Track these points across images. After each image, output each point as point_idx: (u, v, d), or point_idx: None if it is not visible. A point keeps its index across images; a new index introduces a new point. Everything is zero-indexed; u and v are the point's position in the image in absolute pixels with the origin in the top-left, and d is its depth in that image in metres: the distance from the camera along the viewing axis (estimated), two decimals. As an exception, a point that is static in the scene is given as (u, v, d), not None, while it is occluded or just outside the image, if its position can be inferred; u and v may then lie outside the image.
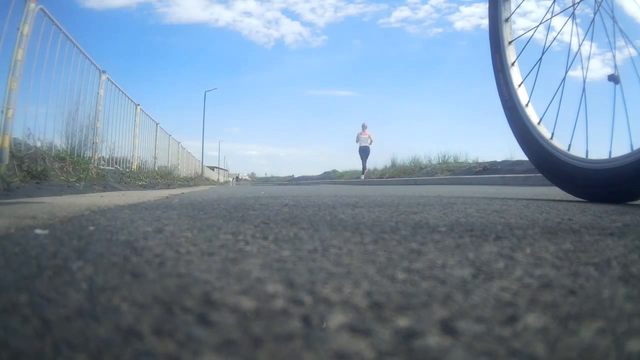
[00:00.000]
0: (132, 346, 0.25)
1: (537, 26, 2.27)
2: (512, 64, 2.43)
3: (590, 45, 2.00)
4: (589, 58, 1.99)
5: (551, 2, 2.19)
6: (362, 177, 15.31)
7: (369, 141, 15.16)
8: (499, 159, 10.84)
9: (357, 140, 15.31)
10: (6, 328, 0.28)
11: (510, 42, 2.47)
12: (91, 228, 0.85)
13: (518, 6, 2.48)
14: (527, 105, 2.30)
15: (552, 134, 2.12)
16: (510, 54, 2.46)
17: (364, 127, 15.36)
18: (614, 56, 1.86)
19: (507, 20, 2.51)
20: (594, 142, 1.95)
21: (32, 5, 3.64)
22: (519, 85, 2.36)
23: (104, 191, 3.53)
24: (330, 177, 23.75)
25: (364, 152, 15.34)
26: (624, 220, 1.04)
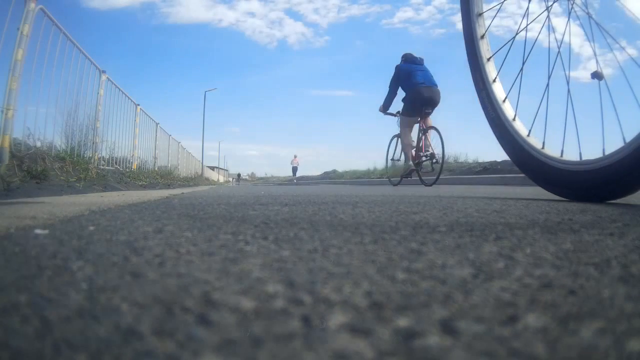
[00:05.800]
0: (132, 346, 0.25)
1: (513, 38, 2.22)
2: (494, 81, 2.35)
3: (569, 46, 1.98)
4: (569, 59, 1.97)
5: (525, 10, 2.15)
6: (295, 180, 24.58)
7: (297, 163, 27.83)
8: (499, 159, 10.84)
9: (291, 162, 27.99)
10: (6, 328, 0.28)
11: (488, 59, 2.40)
12: (91, 228, 0.85)
13: (491, 22, 2.41)
14: (514, 119, 2.23)
15: (543, 144, 2.09)
16: (491, 70, 2.39)
17: (295, 156, 28.34)
18: (594, 52, 1.84)
19: (482, 37, 2.43)
20: (591, 143, 1.94)
21: (32, 5, 3.64)
22: (504, 101, 2.29)
23: (104, 191, 3.53)
24: (330, 177, 23.77)
25: (294, 169, 27.71)
26: (624, 220, 1.04)
